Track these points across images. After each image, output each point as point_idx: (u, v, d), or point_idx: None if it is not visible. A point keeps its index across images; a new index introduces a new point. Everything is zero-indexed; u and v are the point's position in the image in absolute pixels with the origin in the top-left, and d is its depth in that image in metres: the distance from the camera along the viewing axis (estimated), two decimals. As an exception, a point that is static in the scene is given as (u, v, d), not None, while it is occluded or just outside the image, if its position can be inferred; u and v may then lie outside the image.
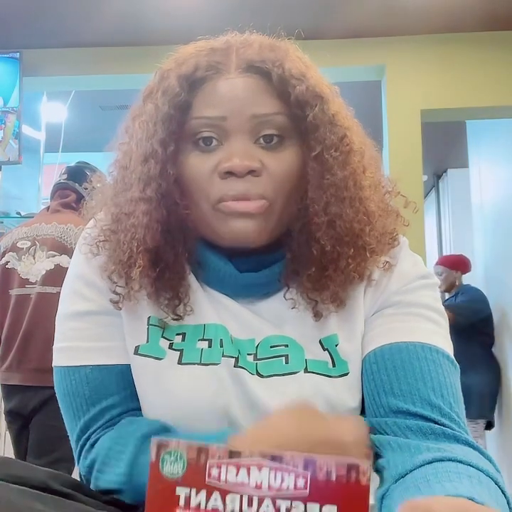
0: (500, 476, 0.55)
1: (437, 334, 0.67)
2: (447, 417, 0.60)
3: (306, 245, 0.67)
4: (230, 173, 0.63)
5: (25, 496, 0.52)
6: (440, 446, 0.57)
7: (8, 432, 1.99)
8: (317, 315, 0.68)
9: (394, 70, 3.13)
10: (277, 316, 0.70)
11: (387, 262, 0.70)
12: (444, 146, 4.55)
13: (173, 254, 0.67)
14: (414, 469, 0.55)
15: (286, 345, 0.68)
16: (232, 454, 0.39)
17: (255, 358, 0.67)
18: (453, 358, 0.66)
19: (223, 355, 0.67)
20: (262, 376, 0.66)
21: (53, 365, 0.71)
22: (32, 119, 3.50)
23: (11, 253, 1.96)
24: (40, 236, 1.97)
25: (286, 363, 0.67)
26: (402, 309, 0.68)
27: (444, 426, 0.60)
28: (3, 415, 1.97)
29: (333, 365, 0.67)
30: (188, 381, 0.66)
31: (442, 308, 0.70)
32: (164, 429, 0.65)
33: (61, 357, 0.71)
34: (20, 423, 1.90)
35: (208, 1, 2.79)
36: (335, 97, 0.69)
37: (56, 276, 1.90)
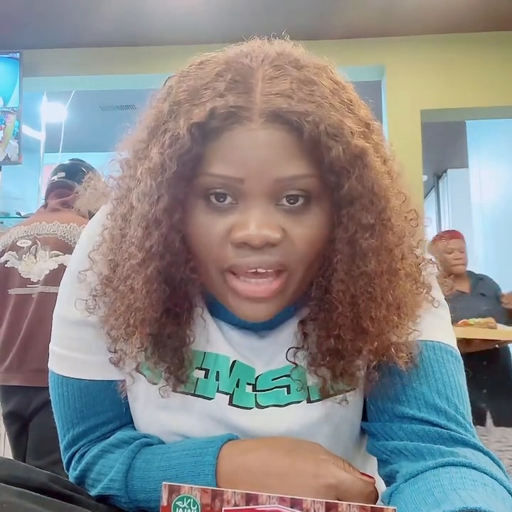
0: (510, 481, 0.54)
1: (438, 328, 0.65)
2: (454, 420, 0.59)
3: (324, 330, 0.60)
4: (244, 243, 0.55)
5: (26, 499, 0.52)
6: (453, 450, 0.56)
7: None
8: (324, 394, 0.63)
9: (394, 70, 3.13)
10: (284, 341, 0.66)
11: (410, 352, 0.62)
12: (444, 146, 4.55)
13: (175, 324, 0.61)
14: (426, 470, 0.54)
15: (288, 375, 0.64)
16: (249, 499, 0.37)
17: (254, 389, 0.64)
18: (456, 350, 0.65)
19: (218, 390, 0.63)
20: (260, 407, 0.63)
21: (49, 366, 0.69)
22: (32, 120, 3.50)
23: (10, 252, 1.94)
24: (41, 235, 1.95)
25: (288, 393, 0.64)
26: None
27: (450, 430, 0.59)
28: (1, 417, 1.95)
29: (335, 380, 0.64)
30: (180, 412, 0.64)
31: (442, 297, 0.67)
32: (162, 442, 0.65)
33: (56, 363, 0.69)
34: (19, 425, 1.89)
35: (207, 2, 2.79)
36: (374, 140, 0.59)
37: (60, 275, 1.89)
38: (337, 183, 0.55)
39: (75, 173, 2.09)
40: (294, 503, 0.37)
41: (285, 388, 0.64)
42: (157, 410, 0.64)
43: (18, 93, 3.14)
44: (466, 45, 3.07)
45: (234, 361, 0.65)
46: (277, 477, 0.55)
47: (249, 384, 0.65)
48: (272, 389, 0.64)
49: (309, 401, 0.64)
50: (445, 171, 5.41)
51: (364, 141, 0.55)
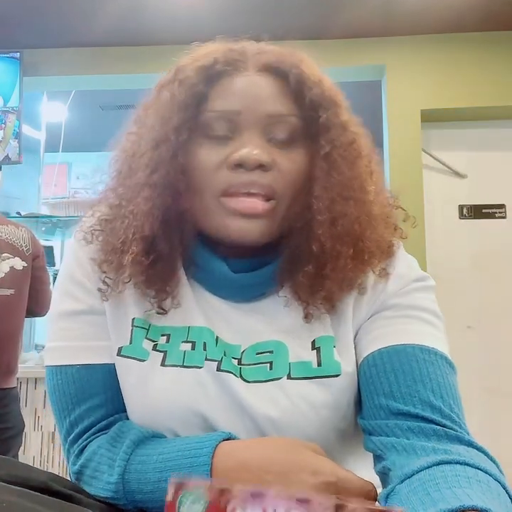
0: (505, 477, 0.54)
1: (434, 336, 0.67)
2: (448, 418, 0.60)
3: (305, 243, 0.66)
4: (239, 166, 0.63)
5: (26, 498, 0.52)
6: (446, 447, 0.57)
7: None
8: (307, 317, 0.68)
9: (394, 70, 3.12)
10: (269, 317, 0.69)
11: (383, 268, 0.70)
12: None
13: (168, 246, 0.66)
14: (421, 470, 0.54)
15: (272, 352, 0.67)
16: (256, 496, 0.37)
17: (239, 363, 0.67)
18: (450, 359, 0.66)
19: (206, 359, 0.66)
20: (246, 381, 0.65)
21: (44, 365, 0.72)
22: (32, 119, 3.50)
23: None
24: None
25: (270, 369, 0.66)
26: (399, 312, 0.68)
27: (445, 427, 0.59)
28: None
29: (319, 364, 0.66)
30: (170, 383, 0.65)
31: (439, 310, 0.70)
32: (155, 435, 0.65)
33: (50, 357, 0.71)
34: None
35: (208, 1, 2.79)
36: (346, 106, 0.70)
37: (11, 278, 1.92)
38: (316, 117, 0.66)
39: None
40: (302, 501, 0.36)
41: (267, 364, 0.67)
42: (150, 387, 0.66)
43: (18, 93, 3.13)
44: (467, 44, 3.07)
45: (217, 336, 0.68)
46: (276, 474, 0.55)
47: (234, 358, 0.67)
48: (256, 365, 0.67)
49: (289, 377, 0.65)
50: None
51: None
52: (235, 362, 0.67)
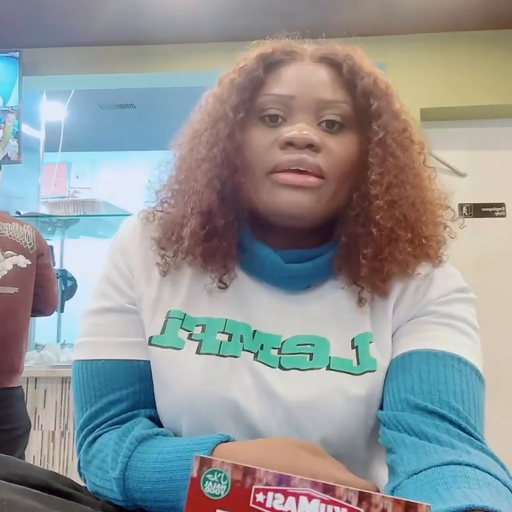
0: None
1: (469, 348, 0.67)
2: (464, 420, 0.60)
3: (363, 228, 0.68)
4: (289, 144, 0.66)
5: (27, 496, 0.52)
6: (457, 449, 0.57)
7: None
8: (361, 301, 0.70)
9: (394, 69, 3.12)
10: (313, 311, 0.71)
11: (427, 274, 0.71)
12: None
13: (224, 220, 0.69)
14: (429, 468, 0.55)
15: (313, 345, 0.68)
16: (281, 480, 0.36)
17: (279, 353, 0.68)
18: (481, 373, 0.66)
19: (243, 349, 0.67)
20: (283, 369, 0.66)
21: (72, 360, 0.74)
22: (31, 119, 3.50)
23: None
24: None
25: (310, 360, 0.67)
26: (438, 319, 0.69)
27: (460, 428, 0.59)
28: None
29: (358, 363, 0.67)
30: (205, 371, 0.66)
31: (477, 323, 0.71)
32: (159, 433, 0.65)
33: (78, 351, 0.73)
34: None
35: (208, 1, 2.78)
36: (397, 96, 0.73)
37: (14, 276, 1.91)
38: (368, 104, 0.69)
39: None
40: (327, 489, 0.36)
41: (308, 355, 0.67)
42: (184, 374, 0.66)
43: (18, 92, 3.12)
44: (468, 43, 3.07)
45: (254, 330, 0.69)
46: None
47: (274, 348, 0.68)
48: (296, 354, 0.67)
49: (328, 368, 0.66)
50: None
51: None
52: (275, 352, 0.68)
